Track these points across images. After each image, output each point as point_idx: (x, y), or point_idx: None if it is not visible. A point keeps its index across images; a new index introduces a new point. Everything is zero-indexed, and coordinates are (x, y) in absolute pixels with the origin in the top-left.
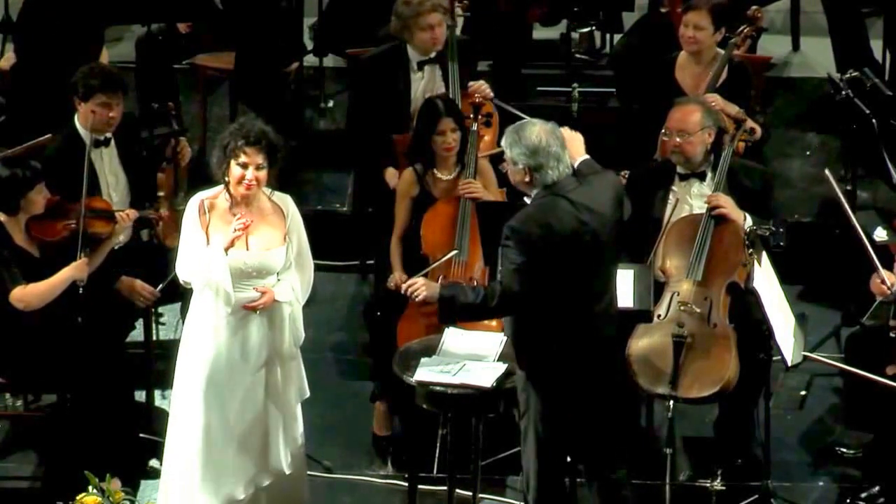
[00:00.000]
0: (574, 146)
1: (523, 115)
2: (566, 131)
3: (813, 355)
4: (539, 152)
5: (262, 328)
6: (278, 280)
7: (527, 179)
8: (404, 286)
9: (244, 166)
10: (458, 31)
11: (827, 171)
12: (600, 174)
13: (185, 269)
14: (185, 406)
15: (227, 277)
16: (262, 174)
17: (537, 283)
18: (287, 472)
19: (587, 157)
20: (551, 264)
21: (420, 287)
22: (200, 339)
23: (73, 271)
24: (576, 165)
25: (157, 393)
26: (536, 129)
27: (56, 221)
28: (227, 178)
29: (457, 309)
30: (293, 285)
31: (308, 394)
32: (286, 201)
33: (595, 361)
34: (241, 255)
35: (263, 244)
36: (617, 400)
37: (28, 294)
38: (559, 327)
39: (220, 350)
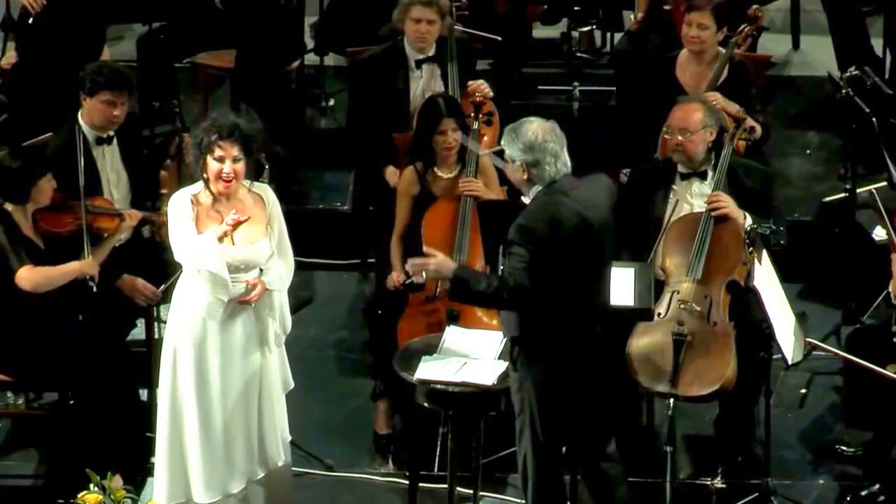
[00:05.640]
0: None
1: None
2: None
3: (818, 342)
4: (535, 148)
5: (251, 318)
6: (262, 270)
7: (525, 177)
8: (411, 261)
9: (220, 160)
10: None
11: (873, 190)
12: (592, 176)
13: (179, 252)
14: (175, 399)
15: (223, 267)
16: (240, 166)
17: (543, 280)
18: (279, 464)
19: None
20: (557, 260)
21: (430, 264)
22: (189, 331)
23: (84, 266)
24: None
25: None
26: (534, 126)
27: (63, 214)
28: (205, 175)
29: (469, 294)
30: (280, 273)
31: (292, 384)
32: (266, 191)
33: (592, 358)
34: (228, 250)
35: (248, 238)
36: (613, 397)
37: (37, 273)
38: (562, 324)
39: (210, 342)
